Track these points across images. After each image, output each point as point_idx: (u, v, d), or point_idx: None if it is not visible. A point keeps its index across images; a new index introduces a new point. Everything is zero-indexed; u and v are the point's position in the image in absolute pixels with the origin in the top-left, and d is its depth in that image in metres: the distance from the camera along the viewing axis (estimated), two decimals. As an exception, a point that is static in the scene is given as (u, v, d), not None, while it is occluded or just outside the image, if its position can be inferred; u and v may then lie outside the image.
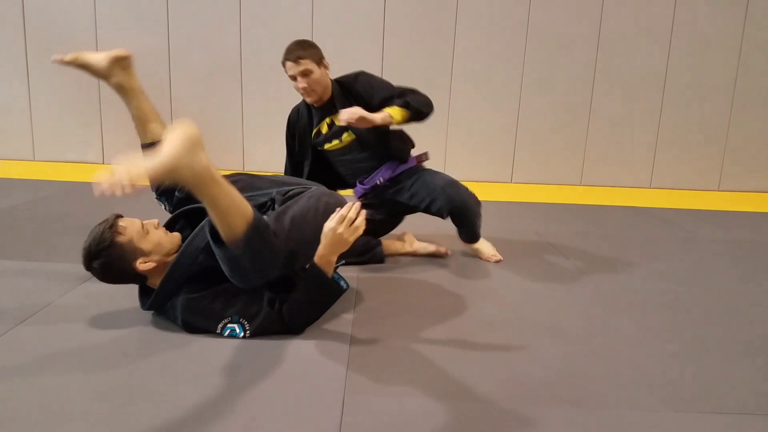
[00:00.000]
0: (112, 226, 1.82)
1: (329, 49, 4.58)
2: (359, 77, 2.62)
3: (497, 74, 4.58)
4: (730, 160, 4.67)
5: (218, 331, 1.82)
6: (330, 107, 2.63)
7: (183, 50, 4.58)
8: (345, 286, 2.06)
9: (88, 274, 2.14)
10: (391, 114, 2.43)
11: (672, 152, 4.67)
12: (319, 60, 2.55)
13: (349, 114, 2.37)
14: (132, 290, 2.03)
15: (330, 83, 2.63)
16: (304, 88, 2.56)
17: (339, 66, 4.61)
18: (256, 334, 1.82)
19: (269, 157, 4.74)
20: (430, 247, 2.74)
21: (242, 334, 1.81)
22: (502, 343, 1.92)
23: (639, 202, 4.21)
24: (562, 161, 4.70)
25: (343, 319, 2.03)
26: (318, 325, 1.98)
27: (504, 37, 4.52)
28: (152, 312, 2.00)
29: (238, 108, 4.67)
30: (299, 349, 1.81)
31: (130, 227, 1.84)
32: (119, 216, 1.88)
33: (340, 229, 1.81)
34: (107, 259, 1.80)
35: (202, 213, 1.89)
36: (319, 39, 4.58)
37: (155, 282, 1.88)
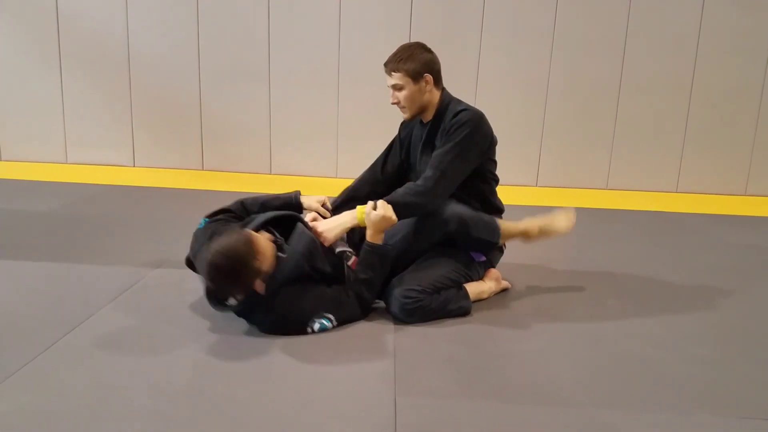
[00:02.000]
0: (255, 254, 1.83)
1: (355, 51, 4.67)
2: (459, 116, 2.24)
3: (523, 78, 4.59)
4: (757, 164, 4.64)
5: (309, 327, 1.95)
6: (432, 129, 2.33)
7: (211, 53, 4.65)
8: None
9: (145, 271, 2.20)
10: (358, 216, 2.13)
11: (698, 156, 4.66)
12: (418, 75, 2.23)
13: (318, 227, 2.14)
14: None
15: (433, 101, 2.31)
16: (393, 103, 2.32)
17: (362, 69, 4.69)
18: (342, 322, 2.01)
19: (295, 161, 4.80)
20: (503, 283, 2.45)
21: (331, 325, 1.98)
22: (538, 346, 1.96)
23: (665, 206, 4.21)
24: (588, 165, 4.71)
25: (384, 323, 2.09)
26: (360, 327, 2.04)
27: (530, 41, 4.54)
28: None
29: (266, 111, 4.73)
30: (345, 351, 1.86)
31: (266, 254, 1.88)
32: (257, 236, 1.89)
33: (382, 211, 2.06)
34: (236, 281, 1.83)
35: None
36: (346, 42, 4.68)
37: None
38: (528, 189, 4.62)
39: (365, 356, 1.84)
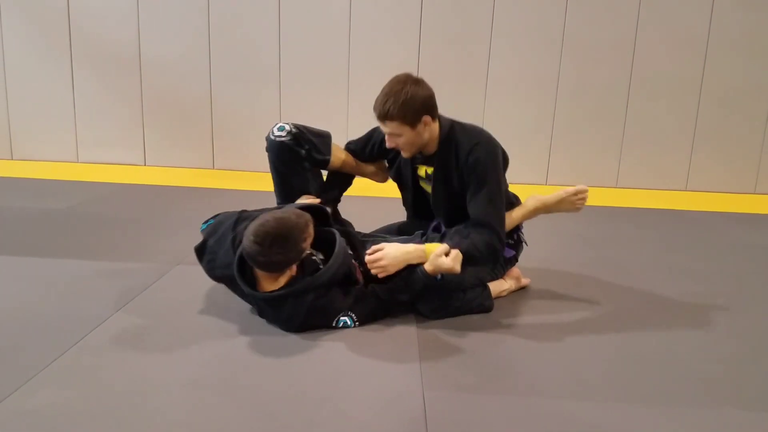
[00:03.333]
0: (304, 229, 1.91)
1: (365, 53, 4.69)
2: (474, 153, 2.07)
3: (533, 78, 4.61)
4: (766, 162, 4.66)
5: (333, 323, 1.98)
6: (441, 161, 2.17)
7: (222, 53, 4.66)
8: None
9: (164, 268, 2.19)
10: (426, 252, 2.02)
11: (708, 155, 4.67)
12: (415, 119, 2.03)
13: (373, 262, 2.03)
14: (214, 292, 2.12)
15: (434, 135, 2.13)
16: (390, 147, 2.16)
17: (372, 70, 4.70)
18: (363, 322, 2.02)
19: (306, 159, 4.82)
20: (523, 280, 2.47)
21: (353, 324, 2.00)
22: (560, 342, 1.98)
23: (675, 204, 4.22)
24: (598, 164, 4.72)
25: (406, 317, 2.10)
26: (383, 322, 2.06)
27: (540, 41, 4.55)
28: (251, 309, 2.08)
29: (276, 111, 4.74)
30: (369, 345, 1.88)
31: (311, 235, 1.96)
32: (310, 217, 1.96)
33: (451, 264, 1.98)
34: (281, 249, 1.86)
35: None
36: (356, 43, 4.69)
37: (278, 283, 1.95)
38: (538, 188, 4.63)
39: (390, 350, 1.85)
